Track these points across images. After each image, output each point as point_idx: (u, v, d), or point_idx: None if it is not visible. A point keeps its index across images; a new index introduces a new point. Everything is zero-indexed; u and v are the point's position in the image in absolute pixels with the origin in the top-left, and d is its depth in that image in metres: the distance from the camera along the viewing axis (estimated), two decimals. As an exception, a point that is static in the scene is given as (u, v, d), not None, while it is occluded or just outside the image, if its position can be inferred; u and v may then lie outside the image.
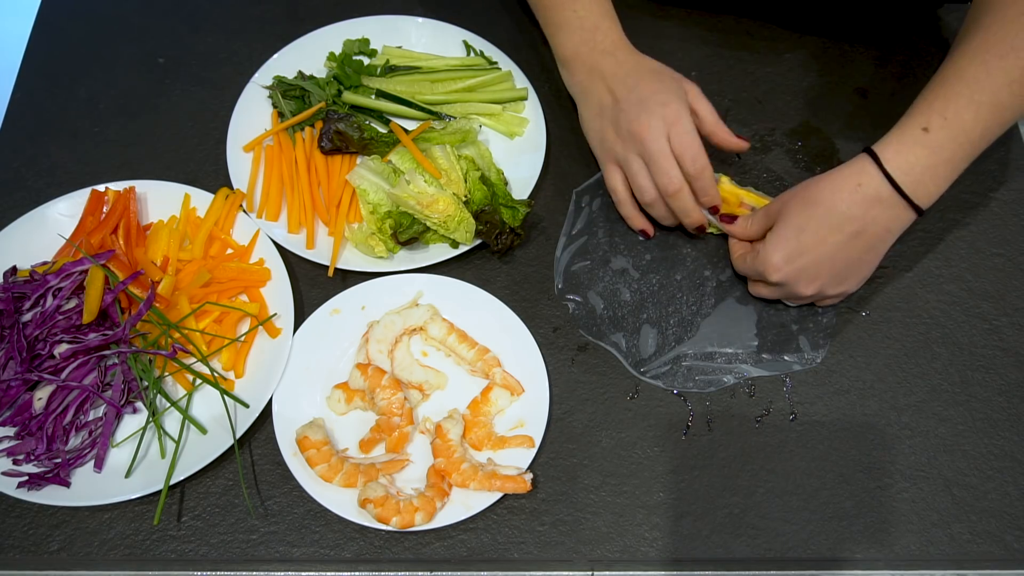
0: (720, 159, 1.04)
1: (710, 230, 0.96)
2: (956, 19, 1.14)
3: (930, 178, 0.82)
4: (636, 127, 0.88)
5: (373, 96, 1.05)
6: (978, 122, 0.81)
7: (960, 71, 0.82)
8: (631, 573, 0.84)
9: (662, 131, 0.87)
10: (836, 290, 0.89)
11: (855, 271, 0.87)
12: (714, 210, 0.92)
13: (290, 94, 1.05)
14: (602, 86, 0.92)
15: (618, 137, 0.91)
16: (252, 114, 1.04)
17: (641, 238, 0.97)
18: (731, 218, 0.93)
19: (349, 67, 1.06)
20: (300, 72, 1.07)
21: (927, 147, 0.81)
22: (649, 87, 0.89)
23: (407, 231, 0.93)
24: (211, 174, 1.02)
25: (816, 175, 0.87)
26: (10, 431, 0.85)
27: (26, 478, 0.82)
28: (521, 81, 1.06)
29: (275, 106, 1.04)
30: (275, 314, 0.91)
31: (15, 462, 0.84)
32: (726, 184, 0.94)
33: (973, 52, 0.82)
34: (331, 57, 1.08)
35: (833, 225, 0.83)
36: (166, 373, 0.89)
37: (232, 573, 0.83)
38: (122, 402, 0.86)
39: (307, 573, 0.83)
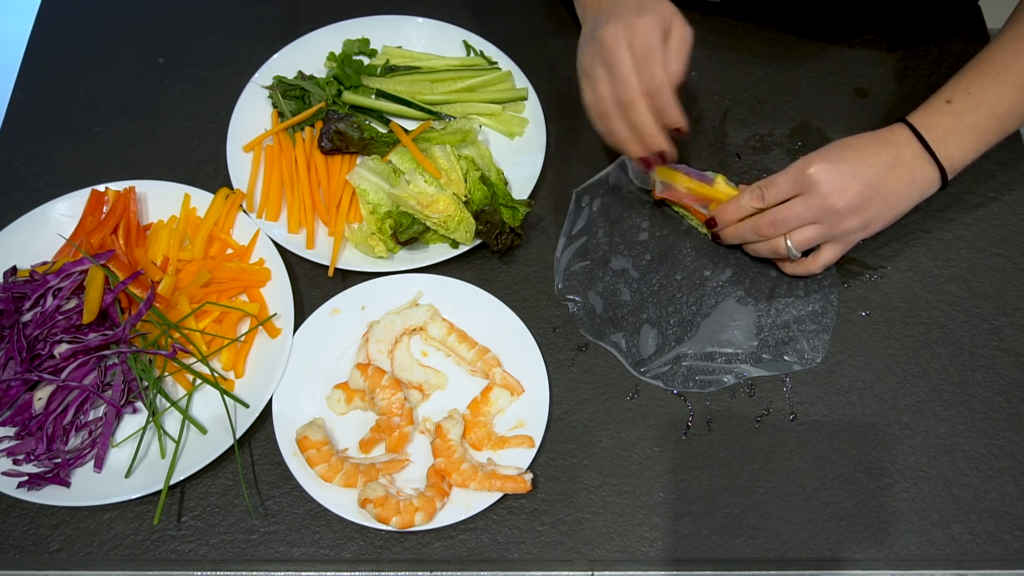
0: (719, 160, 1.04)
1: (703, 232, 0.96)
2: (957, 19, 1.14)
3: (953, 140, 0.87)
4: (602, 33, 0.84)
5: (373, 96, 1.05)
6: (1003, 98, 0.87)
7: (989, 57, 0.90)
8: (631, 573, 0.84)
9: (624, 40, 0.83)
10: (859, 218, 0.86)
11: (880, 203, 0.87)
12: (677, 132, 0.88)
13: (290, 94, 1.05)
14: (595, 11, 0.89)
15: (591, 48, 0.87)
16: (252, 114, 1.04)
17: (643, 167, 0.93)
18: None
19: (349, 67, 1.06)
20: (300, 72, 1.07)
21: (949, 114, 0.87)
22: (632, 3, 0.86)
23: (407, 231, 0.93)
24: (211, 174, 1.02)
25: None
26: (10, 431, 0.85)
27: (26, 478, 0.82)
28: (521, 81, 1.06)
29: (275, 106, 1.04)
30: (275, 314, 0.91)
31: (15, 462, 0.84)
32: (722, 185, 0.94)
33: (1005, 41, 0.90)
34: (331, 57, 1.08)
35: (873, 151, 0.86)
36: (166, 373, 0.89)
37: (232, 573, 0.83)
38: (122, 402, 0.86)
39: (307, 573, 0.83)
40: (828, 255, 0.90)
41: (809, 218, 0.87)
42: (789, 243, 0.88)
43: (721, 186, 0.94)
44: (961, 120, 0.87)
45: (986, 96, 0.87)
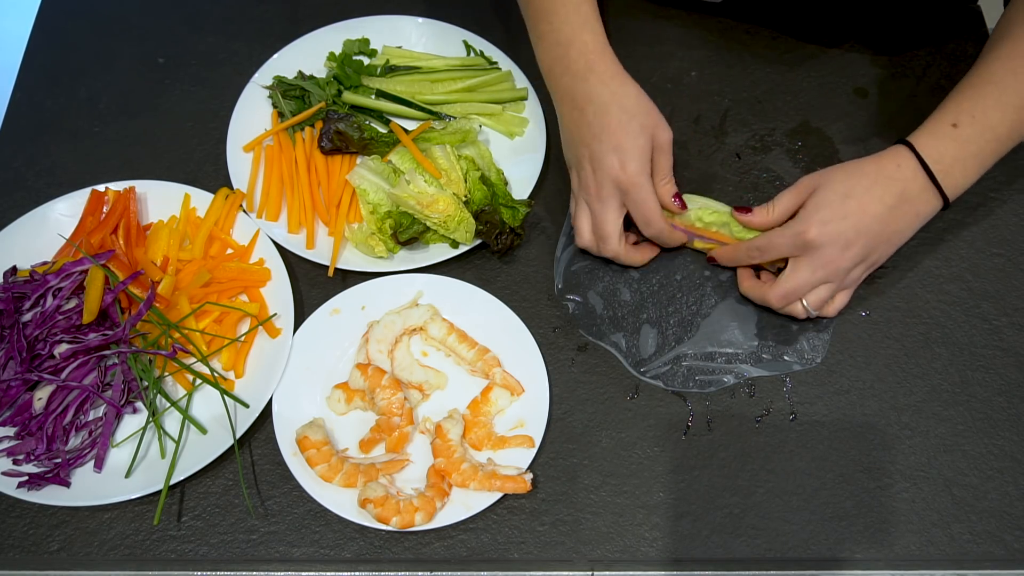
0: (719, 160, 1.04)
1: (696, 246, 0.96)
2: (956, 19, 1.14)
3: (959, 170, 0.86)
4: (591, 183, 0.88)
5: (373, 96, 1.05)
6: (1004, 121, 0.86)
7: (990, 75, 0.87)
8: (631, 573, 0.84)
9: (614, 195, 0.87)
10: (865, 265, 0.87)
11: (883, 247, 0.87)
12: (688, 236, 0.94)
13: (290, 94, 1.05)
14: (570, 116, 0.90)
15: (578, 179, 0.91)
16: (252, 114, 1.04)
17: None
18: (746, 209, 0.90)
19: (349, 67, 1.06)
20: (300, 72, 1.07)
21: (956, 141, 0.85)
22: (612, 140, 0.86)
23: (407, 231, 0.93)
24: (211, 174, 1.02)
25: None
26: (10, 431, 0.85)
27: (26, 478, 0.82)
28: (521, 81, 1.06)
29: (275, 106, 1.04)
30: (275, 314, 0.91)
31: (15, 462, 0.84)
32: (696, 210, 0.93)
33: (1004, 58, 0.87)
34: (331, 57, 1.08)
35: (876, 196, 0.84)
36: (166, 373, 0.89)
37: (232, 573, 0.83)
38: (122, 402, 0.86)
39: (307, 573, 0.83)
40: (841, 301, 0.90)
41: (818, 280, 0.86)
42: (805, 304, 0.88)
43: (696, 213, 0.93)
44: (967, 147, 0.86)
45: (990, 120, 0.86)
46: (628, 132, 0.86)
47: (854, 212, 0.84)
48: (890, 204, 0.84)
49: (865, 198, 0.84)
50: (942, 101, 0.89)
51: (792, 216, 0.87)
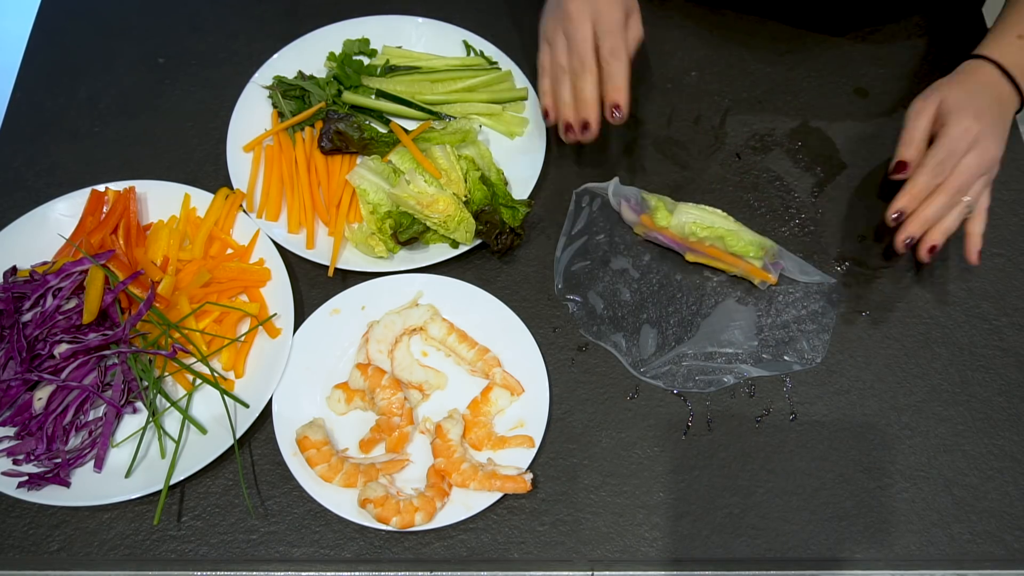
0: (719, 161, 1.04)
1: (688, 259, 0.96)
2: (956, 20, 1.14)
3: None
4: (569, 6, 0.91)
5: (373, 96, 1.05)
6: None
7: None
8: (631, 573, 0.84)
9: (588, 18, 0.90)
10: (998, 160, 0.91)
11: (1001, 140, 0.91)
12: (617, 107, 0.92)
13: (290, 94, 1.05)
14: None
15: (554, 17, 0.93)
16: (252, 114, 1.04)
17: (544, 118, 0.97)
18: (902, 167, 0.91)
19: (349, 67, 1.06)
20: (300, 72, 1.07)
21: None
22: None
23: (407, 231, 0.93)
24: (211, 174, 1.02)
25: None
26: (10, 431, 0.85)
27: (26, 478, 0.82)
28: (521, 81, 1.06)
29: (275, 106, 1.04)
30: (275, 314, 0.91)
31: (15, 462, 0.84)
32: (663, 212, 0.93)
33: None
34: (331, 57, 1.08)
35: (988, 102, 0.91)
36: (166, 373, 0.89)
37: (232, 573, 0.83)
38: (122, 402, 0.86)
39: (307, 573, 0.83)
40: (987, 199, 0.92)
41: (980, 173, 0.90)
42: (967, 199, 0.90)
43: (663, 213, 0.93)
44: None
45: None
46: None
47: (985, 111, 0.90)
48: (995, 106, 0.92)
49: (979, 102, 0.91)
50: (999, 17, 0.97)
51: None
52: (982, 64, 0.94)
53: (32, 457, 0.84)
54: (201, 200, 0.97)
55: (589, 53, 0.91)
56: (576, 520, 0.84)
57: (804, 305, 0.95)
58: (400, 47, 1.09)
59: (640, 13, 0.94)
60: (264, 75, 1.06)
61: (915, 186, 0.90)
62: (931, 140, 0.91)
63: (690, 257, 0.95)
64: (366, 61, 1.08)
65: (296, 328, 0.91)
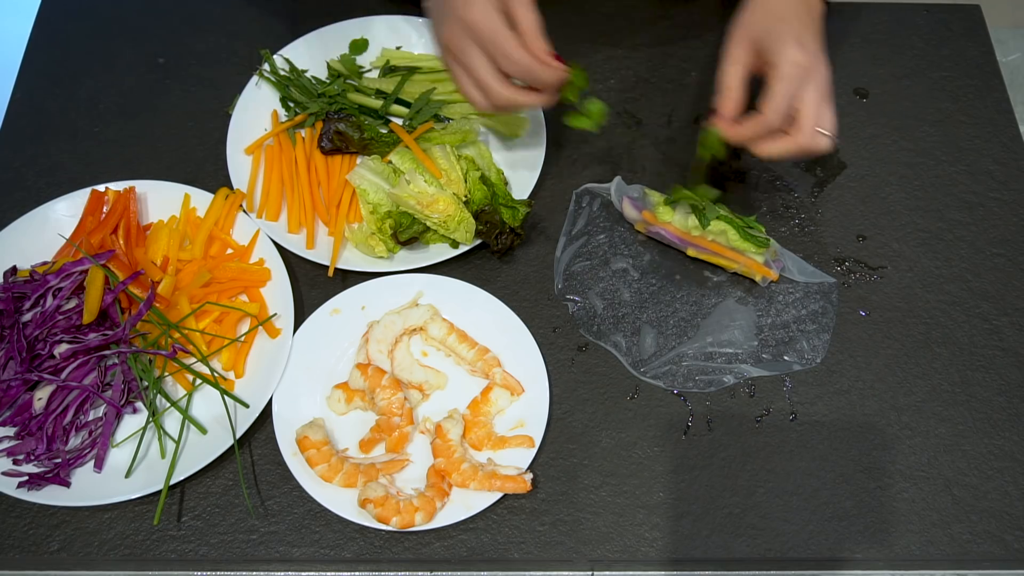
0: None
1: (689, 254, 0.95)
2: (957, 19, 1.14)
3: None
4: (446, 38, 0.83)
5: (373, 96, 1.05)
6: None
7: None
8: (631, 573, 0.84)
9: (470, 42, 0.81)
10: (828, 73, 0.87)
11: (822, 49, 0.87)
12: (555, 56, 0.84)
13: (290, 96, 1.05)
14: None
15: (439, 41, 0.85)
16: (252, 114, 1.04)
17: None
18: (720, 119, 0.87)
19: (349, 67, 1.06)
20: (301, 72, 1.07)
21: None
22: None
23: (407, 231, 0.93)
24: (211, 174, 1.02)
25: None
26: (10, 431, 0.85)
27: (26, 478, 0.82)
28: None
29: (282, 93, 1.04)
30: (275, 314, 0.91)
31: (15, 462, 0.84)
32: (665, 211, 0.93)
33: None
34: (331, 61, 1.08)
35: (796, 11, 0.87)
36: (166, 373, 0.89)
37: (232, 573, 0.83)
38: (122, 402, 0.86)
39: (307, 573, 0.83)
40: (829, 111, 0.87)
41: (821, 97, 0.85)
42: (826, 133, 0.85)
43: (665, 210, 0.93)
44: None
45: None
46: None
47: (804, 33, 0.86)
48: (808, 18, 0.88)
49: (797, 24, 0.86)
50: None
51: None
52: None
53: (32, 457, 0.84)
54: (201, 200, 0.97)
55: (523, 54, 0.81)
56: (576, 520, 0.84)
57: (804, 305, 0.95)
58: (400, 47, 1.09)
59: None
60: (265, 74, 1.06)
61: (757, 127, 0.85)
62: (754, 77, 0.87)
63: (692, 252, 0.95)
64: (366, 61, 1.08)
65: (296, 328, 0.91)
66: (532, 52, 0.82)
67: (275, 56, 1.06)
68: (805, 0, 0.89)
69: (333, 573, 0.83)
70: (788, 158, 0.87)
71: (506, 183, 0.99)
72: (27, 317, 0.87)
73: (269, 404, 0.87)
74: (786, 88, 0.84)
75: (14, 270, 0.91)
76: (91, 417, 0.87)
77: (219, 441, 0.85)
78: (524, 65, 0.82)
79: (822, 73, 0.86)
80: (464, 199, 0.94)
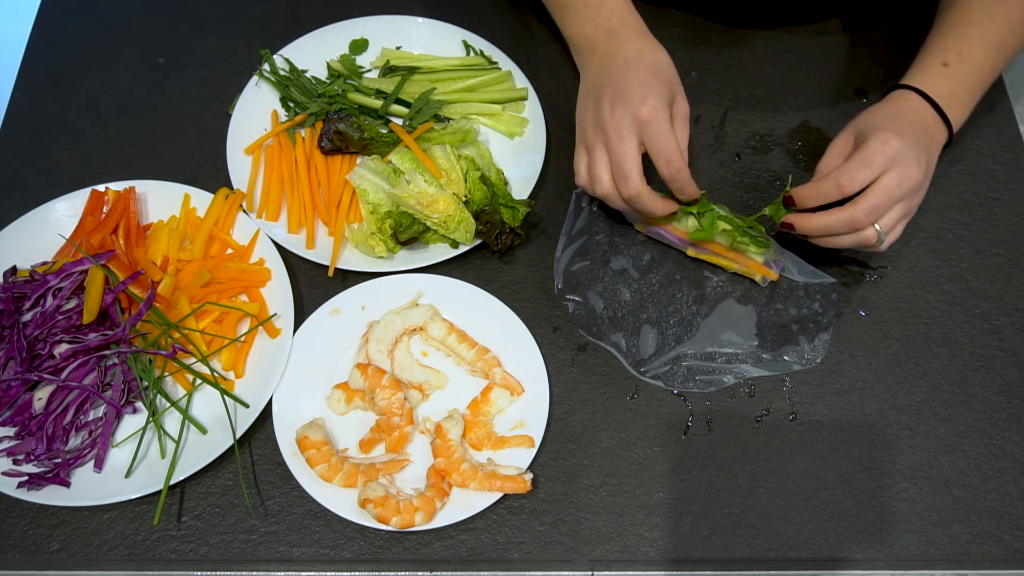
0: (720, 160, 1.04)
1: (690, 254, 0.95)
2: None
3: (956, 105, 0.91)
4: (608, 119, 0.85)
5: (373, 96, 1.05)
6: (988, 59, 0.92)
7: (968, 15, 0.93)
8: (631, 573, 0.84)
9: (633, 131, 0.84)
10: (921, 191, 0.86)
11: (929, 173, 0.88)
12: (693, 203, 0.90)
13: (289, 96, 1.05)
14: (596, 66, 0.91)
15: (593, 123, 0.87)
16: (252, 114, 1.04)
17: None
18: (796, 196, 0.87)
19: (349, 67, 1.06)
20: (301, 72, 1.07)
21: (949, 79, 0.91)
22: (637, 78, 0.85)
23: (407, 231, 0.93)
24: (211, 174, 1.02)
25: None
26: (10, 431, 0.85)
27: (26, 478, 0.82)
28: (521, 81, 1.06)
29: (282, 93, 1.04)
30: (275, 314, 0.91)
31: (15, 462, 0.84)
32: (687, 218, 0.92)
33: (976, 1, 0.93)
34: (331, 61, 1.08)
35: (909, 123, 0.87)
36: (166, 373, 0.89)
37: (232, 573, 0.83)
38: (122, 402, 0.86)
39: (307, 573, 0.83)
40: (899, 231, 0.87)
41: (901, 194, 0.83)
42: (879, 227, 0.84)
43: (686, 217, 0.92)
44: (960, 84, 0.91)
45: (975, 58, 0.91)
46: (655, 76, 0.86)
47: (908, 131, 0.85)
48: (919, 130, 0.87)
49: (902, 122, 0.86)
50: (924, 43, 0.95)
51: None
52: (906, 92, 0.91)
53: (32, 457, 0.84)
54: (201, 200, 0.97)
55: (636, 179, 0.84)
56: (576, 520, 0.84)
57: (804, 305, 0.95)
58: (400, 47, 1.09)
59: (686, 106, 0.88)
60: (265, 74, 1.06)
61: (816, 189, 0.84)
62: None
63: (691, 252, 0.95)
64: (366, 61, 1.08)
65: (296, 328, 0.91)
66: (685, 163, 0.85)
67: (275, 56, 1.06)
68: (922, 119, 0.89)
69: (333, 573, 0.83)
70: (832, 241, 0.87)
71: (506, 183, 0.99)
72: (27, 317, 0.87)
73: (269, 404, 0.87)
74: (864, 158, 0.82)
75: (14, 270, 0.91)
76: (91, 417, 0.87)
77: (219, 441, 0.85)
78: (679, 171, 0.85)
79: (911, 173, 0.83)
80: (464, 199, 0.94)
